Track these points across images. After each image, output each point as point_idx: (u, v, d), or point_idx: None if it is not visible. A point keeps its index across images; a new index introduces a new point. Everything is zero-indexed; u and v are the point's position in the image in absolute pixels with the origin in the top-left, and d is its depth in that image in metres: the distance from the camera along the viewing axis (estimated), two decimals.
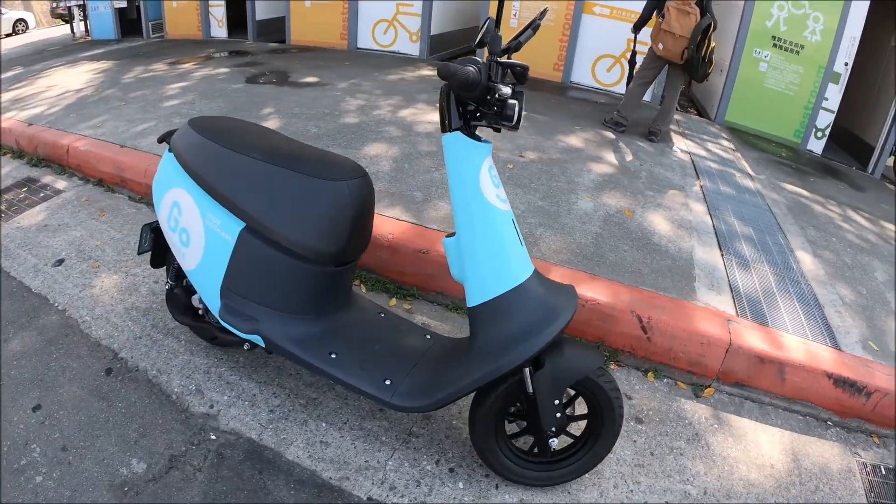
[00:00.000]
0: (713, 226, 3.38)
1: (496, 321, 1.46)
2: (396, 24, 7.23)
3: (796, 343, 2.43)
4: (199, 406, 1.88)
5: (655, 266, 2.77)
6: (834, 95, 5.39)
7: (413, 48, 7.26)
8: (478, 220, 1.43)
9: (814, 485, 2.00)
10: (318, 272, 1.60)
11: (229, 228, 1.59)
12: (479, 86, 1.27)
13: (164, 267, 2.08)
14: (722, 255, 3.07)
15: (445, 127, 1.41)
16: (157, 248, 1.99)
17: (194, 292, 1.89)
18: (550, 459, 1.69)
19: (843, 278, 3.12)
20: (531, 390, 1.51)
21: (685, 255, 2.95)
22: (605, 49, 5.85)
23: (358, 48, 7.37)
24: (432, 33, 7.28)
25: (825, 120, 5.58)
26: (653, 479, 1.87)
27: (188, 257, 1.69)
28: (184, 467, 1.64)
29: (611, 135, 4.56)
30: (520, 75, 1.35)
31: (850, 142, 6.12)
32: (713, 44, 4.15)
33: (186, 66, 5.85)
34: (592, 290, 2.44)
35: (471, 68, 1.25)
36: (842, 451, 2.19)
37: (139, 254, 1.99)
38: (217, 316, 1.69)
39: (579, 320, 2.38)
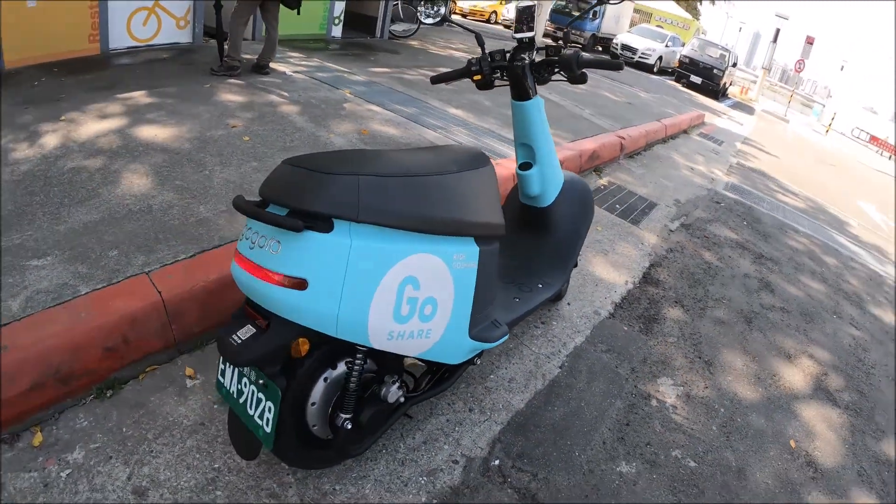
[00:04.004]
0: (401, 115, 4.23)
1: (567, 203, 2.14)
2: None
3: None
4: (449, 479, 1.63)
5: None
6: None
7: None
8: (552, 146, 2.04)
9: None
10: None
11: (471, 254, 1.43)
12: None
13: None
14: (436, 131, 4.02)
15: (526, 95, 1.89)
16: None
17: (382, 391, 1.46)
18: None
19: (479, 112, 4.66)
20: None
21: (424, 140, 3.77)
22: (135, 3, 4.99)
23: None
24: None
25: (339, 9, 6.84)
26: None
27: (433, 331, 1.39)
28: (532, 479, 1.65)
29: (237, 80, 4.42)
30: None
31: (356, 20, 7.62)
32: None
33: None
34: None
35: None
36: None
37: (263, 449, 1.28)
38: (467, 354, 1.58)
39: None
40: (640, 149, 5.86)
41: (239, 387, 1.27)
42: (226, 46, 4.36)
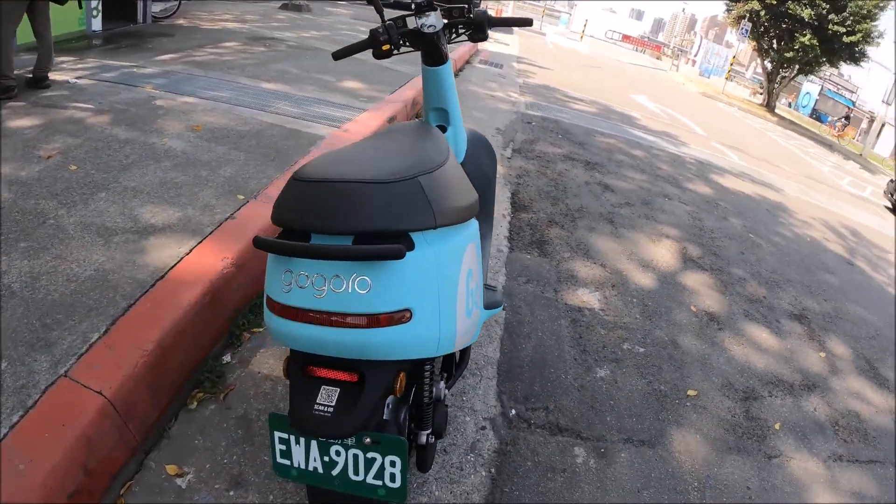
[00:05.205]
0: (220, 102, 3.78)
1: (475, 156, 2.14)
2: None
3: None
4: (489, 445, 1.75)
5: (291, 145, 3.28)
6: None
7: None
8: (458, 105, 2.01)
9: None
10: None
11: (476, 229, 1.38)
12: None
13: None
14: (266, 111, 3.72)
15: (440, 60, 1.79)
16: None
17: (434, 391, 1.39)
18: None
19: (292, 81, 4.38)
20: None
21: (264, 123, 3.49)
22: None
23: None
24: None
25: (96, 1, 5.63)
26: None
27: (477, 315, 1.35)
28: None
29: (17, 102, 3.43)
30: None
31: (114, 7, 6.29)
32: None
33: None
34: None
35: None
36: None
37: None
38: (481, 325, 1.57)
39: None
40: None
41: (326, 459, 1.09)
42: None
